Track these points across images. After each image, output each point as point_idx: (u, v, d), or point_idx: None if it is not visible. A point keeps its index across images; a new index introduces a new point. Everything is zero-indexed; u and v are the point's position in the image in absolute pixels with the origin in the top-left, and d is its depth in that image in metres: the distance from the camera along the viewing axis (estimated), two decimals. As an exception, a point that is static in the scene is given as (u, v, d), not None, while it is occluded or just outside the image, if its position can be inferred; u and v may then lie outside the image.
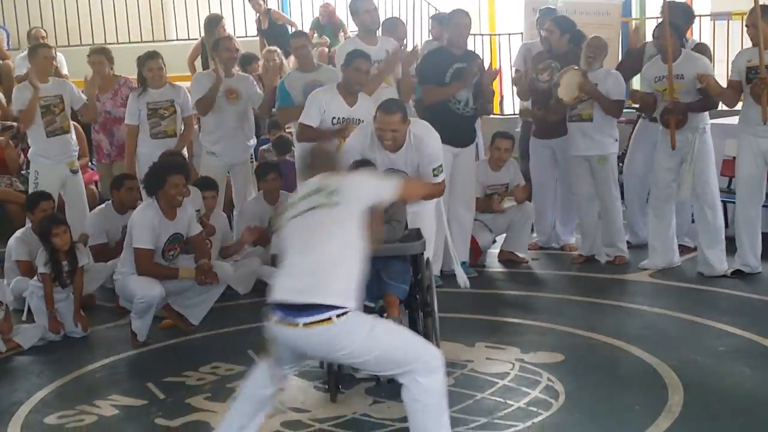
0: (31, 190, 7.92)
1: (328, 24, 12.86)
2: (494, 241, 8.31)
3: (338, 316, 3.98)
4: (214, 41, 8.63)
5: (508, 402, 5.08)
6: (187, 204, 6.65)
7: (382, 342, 4.10)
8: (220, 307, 6.93)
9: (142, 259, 6.42)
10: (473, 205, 7.73)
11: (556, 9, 9.25)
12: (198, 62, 11.06)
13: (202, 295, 6.66)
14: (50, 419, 5.15)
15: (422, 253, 5.31)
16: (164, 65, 8.10)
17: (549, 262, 8.19)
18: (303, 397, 5.28)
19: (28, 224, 7.35)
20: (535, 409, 4.98)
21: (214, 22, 10.13)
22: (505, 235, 8.24)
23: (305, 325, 3.99)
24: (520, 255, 8.09)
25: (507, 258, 8.12)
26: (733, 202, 7.56)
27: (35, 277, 6.65)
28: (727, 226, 7.78)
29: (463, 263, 7.62)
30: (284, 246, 4.29)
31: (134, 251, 6.41)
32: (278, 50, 9.92)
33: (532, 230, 8.43)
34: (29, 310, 6.71)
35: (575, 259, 8.02)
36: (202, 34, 10.95)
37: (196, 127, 8.44)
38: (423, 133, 5.87)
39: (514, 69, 8.96)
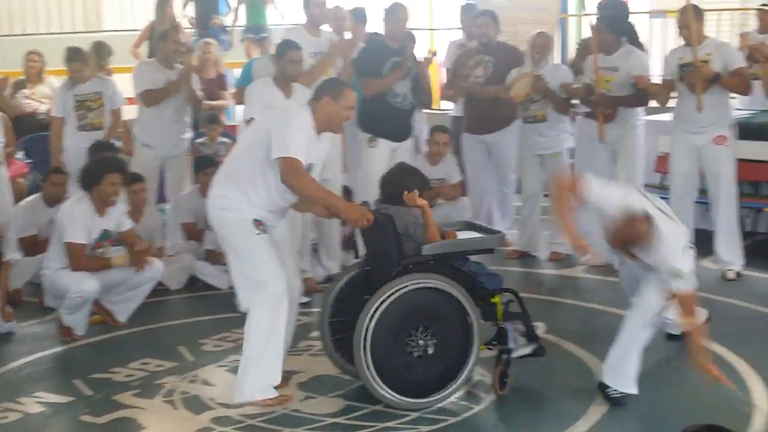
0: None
1: None
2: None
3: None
4: (162, 32, 8.49)
5: (440, 397, 5.12)
6: (118, 200, 6.62)
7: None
8: (151, 303, 6.88)
9: (75, 253, 6.37)
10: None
11: (476, 4, 9.32)
12: (144, 47, 10.84)
13: (132, 291, 6.62)
14: (-27, 417, 5.08)
15: None
16: (85, 61, 8.06)
17: (484, 256, 8.21)
18: (233, 393, 5.27)
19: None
20: (466, 403, 5.05)
21: (162, 3, 10.04)
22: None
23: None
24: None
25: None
26: (667, 198, 7.67)
27: (-40, 273, 6.55)
28: (660, 221, 7.88)
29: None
30: None
31: (66, 246, 6.36)
32: (214, 42, 9.86)
33: (469, 226, 8.47)
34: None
35: (509, 255, 8.06)
36: (144, 23, 10.82)
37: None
38: None
39: (444, 69, 8.92)
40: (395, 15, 7.51)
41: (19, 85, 10.16)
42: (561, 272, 7.69)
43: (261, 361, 5.04)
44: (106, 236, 6.54)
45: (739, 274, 7.23)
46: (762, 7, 9.09)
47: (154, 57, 8.26)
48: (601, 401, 5.01)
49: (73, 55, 8.09)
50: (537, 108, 7.70)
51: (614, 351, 5.06)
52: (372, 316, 4.89)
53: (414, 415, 4.91)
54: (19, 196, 8.27)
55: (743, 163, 7.61)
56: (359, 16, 8.95)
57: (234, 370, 5.57)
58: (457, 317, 5.00)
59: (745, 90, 7.35)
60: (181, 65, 8.01)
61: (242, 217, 5.07)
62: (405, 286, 4.95)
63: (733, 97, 7.97)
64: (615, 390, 5.00)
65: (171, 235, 8.04)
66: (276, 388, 5.09)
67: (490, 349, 5.23)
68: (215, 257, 7.50)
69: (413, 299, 4.97)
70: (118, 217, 6.61)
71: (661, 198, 7.84)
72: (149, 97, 7.80)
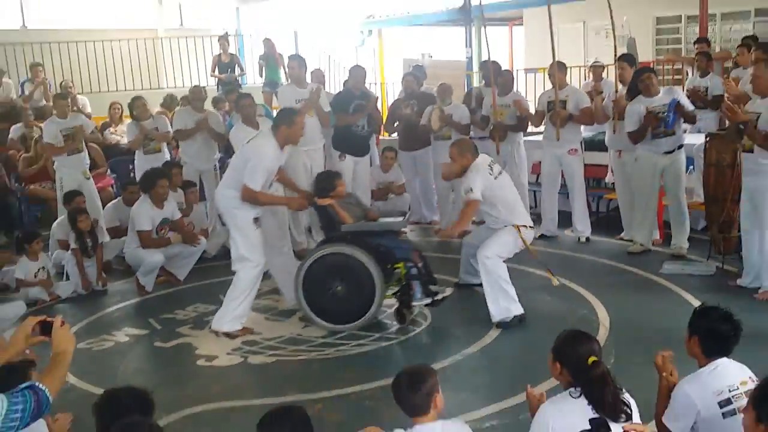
0: (58, 192, 7.68)
1: (270, 56, 11.12)
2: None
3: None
4: (194, 89, 8.32)
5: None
6: (171, 197, 6.63)
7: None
8: (199, 267, 6.84)
9: (144, 237, 6.39)
10: (369, 196, 7.81)
11: (421, 65, 9.36)
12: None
13: (186, 258, 6.63)
14: (81, 345, 5.08)
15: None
16: (146, 103, 8.00)
17: (420, 232, 8.31)
18: (255, 325, 5.32)
19: (63, 214, 7.14)
20: (411, 327, 5.11)
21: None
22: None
23: None
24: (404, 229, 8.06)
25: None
26: (539, 190, 7.80)
27: (69, 251, 6.50)
28: (535, 206, 8.02)
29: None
30: None
31: (138, 233, 6.37)
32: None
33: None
34: (67, 274, 6.54)
35: (436, 231, 8.13)
36: (193, 83, 10.67)
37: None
38: None
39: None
40: (356, 73, 7.58)
41: (105, 126, 10.05)
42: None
43: (237, 307, 5.07)
44: (165, 222, 6.56)
45: (588, 239, 7.31)
46: (595, 64, 8.99)
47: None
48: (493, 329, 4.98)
49: (137, 97, 8.06)
50: (446, 130, 7.71)
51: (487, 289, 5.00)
52: (304, 270, 5.08)
53: (376, 335, 4.96)
54: (107, 200, 8.20)
55: (589, 167, 7.76)
56: (420, 72, 8.80)
57: (256, 310, 5.58)
58: (364, 274, 4.98)
59: (589, 122, 7.37)
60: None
61: (246, 214, 5.07)
62: (324, 252, 5.04)
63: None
64: (504, 318, 5.00)
65: (212, 221, 8.01)
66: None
67: (395, 296, 5.13)
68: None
69: (332, 260, 5.03)
70: (172, 210, 6.62)
71: (537, 191, 8.08)
72: (180, 135, 7.76)
